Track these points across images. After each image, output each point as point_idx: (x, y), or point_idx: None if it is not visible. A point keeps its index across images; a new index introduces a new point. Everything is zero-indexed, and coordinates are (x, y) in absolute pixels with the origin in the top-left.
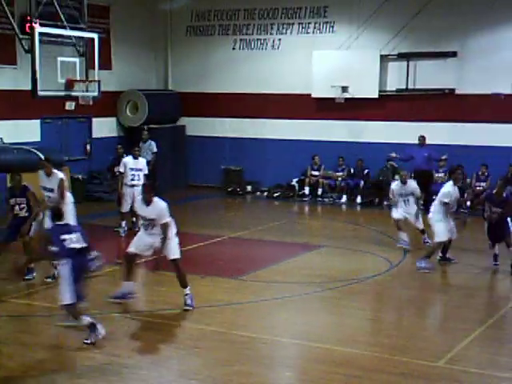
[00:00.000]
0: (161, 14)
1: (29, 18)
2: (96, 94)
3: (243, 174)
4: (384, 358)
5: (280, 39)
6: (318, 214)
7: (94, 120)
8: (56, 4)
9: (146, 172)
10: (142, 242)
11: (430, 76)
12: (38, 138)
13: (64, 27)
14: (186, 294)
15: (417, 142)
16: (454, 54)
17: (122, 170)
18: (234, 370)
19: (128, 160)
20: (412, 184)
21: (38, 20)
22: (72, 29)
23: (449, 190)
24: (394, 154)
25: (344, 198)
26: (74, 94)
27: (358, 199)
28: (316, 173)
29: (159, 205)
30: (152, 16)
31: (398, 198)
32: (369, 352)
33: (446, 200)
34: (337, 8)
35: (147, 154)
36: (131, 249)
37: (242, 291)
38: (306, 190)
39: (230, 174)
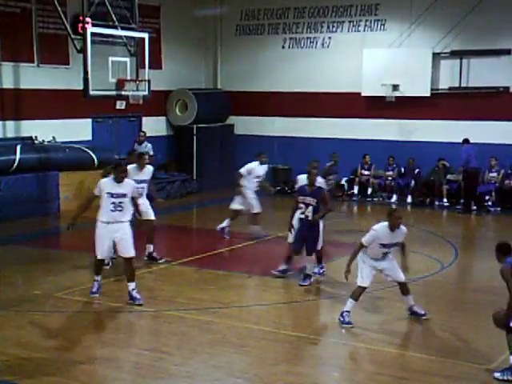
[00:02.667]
0: (210, 14)
1: (81, 18)
2: (146, 93)
3: (291, 173)
4: (432, 360)
5: (330, 37)
6: (367, 214)
7: (144, 119)
8: (107, 4)
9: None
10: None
11: (483, 74)
12: (89, 137)
13: (115, 27)
14: (134, 289)
15: (469, 142)
16: (507, 52)
17: (244, 172)
18: (281, 369)
19: (253, 166)
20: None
21: (89, 20)
22: (123, 29)
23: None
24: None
25: (394, 198)
26: (124, 93)
27: (409, 199)
28: (366, 172)
29: (130, 182)
30: (202, 15)
31: None
32: (417, 353)
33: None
34: (388, 5)
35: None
36: (99, 255)
37: (290, 291)
38: (355, 190)
39: (278, 173)
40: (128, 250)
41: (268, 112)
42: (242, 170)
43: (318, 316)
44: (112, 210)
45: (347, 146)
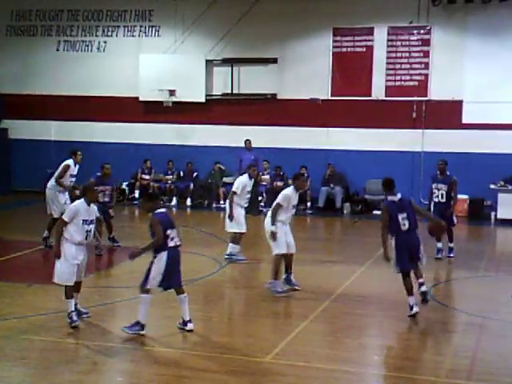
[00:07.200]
0: None
1: None
2: None
3: None
4: (213, 357)
5: (106, 42)
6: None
7: None
8: None
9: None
10: None
11: (253, 81)
12: None
13: None
14: None
15: (243, 145)
16: (274, 61)
17: (238, 191)
18: (64, 379)
19: (243, 180)
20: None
21: None
22: None
23: (288, 193)
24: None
25: (174, 201)
26: None
27: (188, 201)
28: (147, 176)
29: None
30: None
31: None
32: (198, 352)
33: (284, 203)
34: (161, 12)
35: None
36: None
37: None
38: (136, 194)
39: None
40: None
41: (44, 116)
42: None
43: (101, 322)
44: None
45: (126, 150)
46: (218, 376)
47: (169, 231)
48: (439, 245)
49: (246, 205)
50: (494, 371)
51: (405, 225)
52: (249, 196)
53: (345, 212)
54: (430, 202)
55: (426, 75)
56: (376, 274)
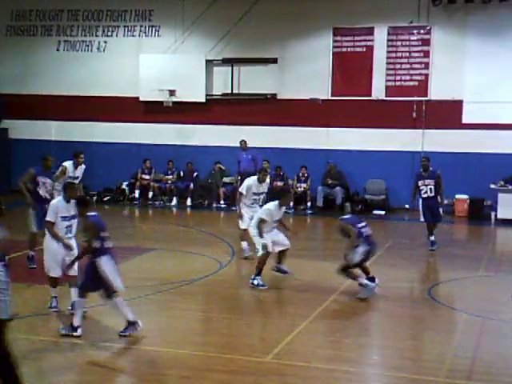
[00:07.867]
0: None
1: None
2: None
3: None
4: (214, 357)
5: (106, 42)
6: (148, 217)
7: None
8: None
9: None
10: None
11: (253, 81)
12: None
13: None
14: None
15: (243, 147)
16: (274, 61)
17: (243, 191)
18: (64, 379)
19: (250, 181)
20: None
21: None
22: None
23: (271, 208)
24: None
25: (174, 201)
26: None
27: (188, 201)
28: (147, 176)
29: None
30: None
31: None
32: (199, 352)
33: (267, 218)
34: (161, 12)
35: None
36: None
37: (67, 297)
38: (136, 194)
39: None
40: None
41: (45, 115)
42: (243, 190)
43: (102, 322)
44: None
45: (127, 151)
46: (218, 376)
47: (104, 233)
48: (432, 238)
49: (253, 205)
50: (494, 371)
51: (366, 231)
52: (255, 198)
53: (345, 212)
54: (414, 199)
55: (426, 75)
56: (376, 273)
